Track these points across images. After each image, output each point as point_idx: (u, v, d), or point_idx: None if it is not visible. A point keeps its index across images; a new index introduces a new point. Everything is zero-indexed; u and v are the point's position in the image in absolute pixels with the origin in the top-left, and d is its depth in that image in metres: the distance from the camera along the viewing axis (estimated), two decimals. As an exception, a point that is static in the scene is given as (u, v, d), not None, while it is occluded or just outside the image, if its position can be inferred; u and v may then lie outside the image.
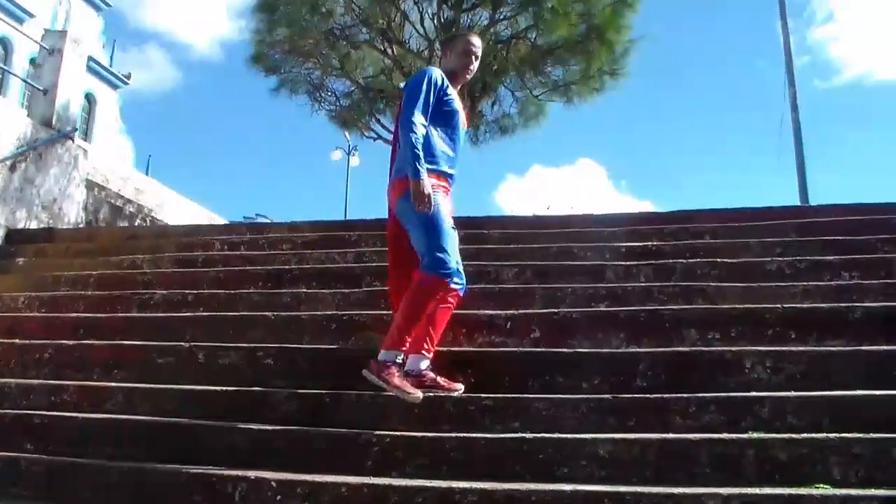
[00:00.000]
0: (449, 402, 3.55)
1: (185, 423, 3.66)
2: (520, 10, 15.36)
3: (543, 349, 4.09)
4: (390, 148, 4.25)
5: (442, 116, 4.00)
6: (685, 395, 3.46)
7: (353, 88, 17.98)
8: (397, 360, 3.64)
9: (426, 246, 3.75)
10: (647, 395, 3.54)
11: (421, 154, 3.75)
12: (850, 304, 4.37)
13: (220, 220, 12.75)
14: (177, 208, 11.84)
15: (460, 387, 3.72)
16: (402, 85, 18.42)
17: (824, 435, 3.07)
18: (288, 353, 4.26)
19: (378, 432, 3.36)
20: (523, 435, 3.24)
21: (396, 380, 3.55)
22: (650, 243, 5.91)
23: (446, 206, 3.87)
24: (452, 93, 4.10)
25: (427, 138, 3.86)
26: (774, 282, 4.96)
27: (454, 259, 3.78)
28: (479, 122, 17.60)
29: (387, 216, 4.17)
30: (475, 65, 4.33)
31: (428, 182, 3.71)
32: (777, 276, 5.10)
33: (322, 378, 4.03)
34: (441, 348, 3.88)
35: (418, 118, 3.83)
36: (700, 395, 3.47)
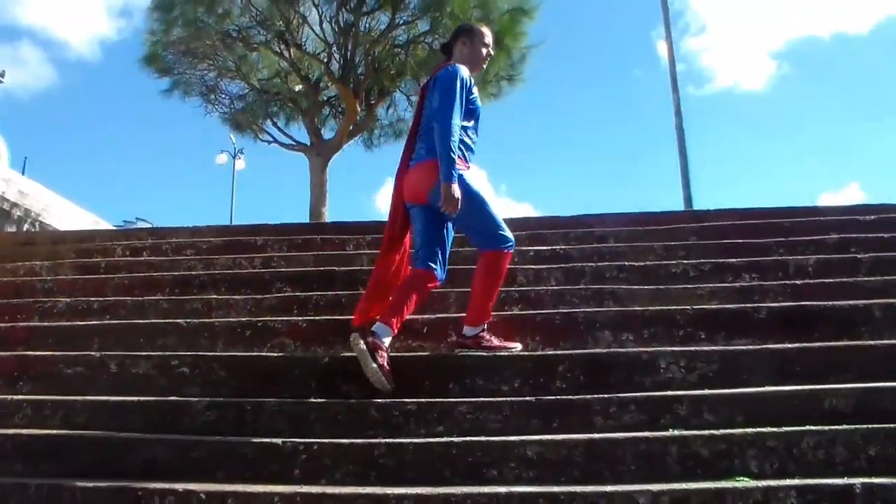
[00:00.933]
0: (373, 408, 3.55)
1: (101, 436, 3.53)
2: (419, 14, 15.45)
3: (462, 353, 4.13)
4: (408, 134, 4.49)
5: (467, 113, 4.19)
6: (606, 396, 3.55)
7: (248, 91, 17.77)
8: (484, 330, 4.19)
9: (484, 226, 4.13)
10: (570, 397, 3.62)
11: (456, 159, 3.98)
12: (754, 305, 4.58)
13: (106, 225, 12.38)
14: (62, 212, 11.41)
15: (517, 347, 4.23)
16: (297, 88, 18.12)
17: (741, 430, 3.20)
18: (204, 360, 4.17)
19: (304, 440, 3.33)
20: (451, 439, 3.26)
21: (496, 342, 4.18)
22: (558, 247, 6.05)
23: (479, 186, 4.14)
24: (475, 89, 4.28)
25: None
26: (681, 284, 5.16)
27: (509, 231, 4.19)
28: (374, 126, 17.61)
29: (395, 195, 4.33)
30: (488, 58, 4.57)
31: (458, 187, 3.93)
32: (683, 279, 5.30)
33: (241, 386, 3.98)
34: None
35: (456, 121, 4.03)
36: (620, 395, 3.57)
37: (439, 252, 4.15)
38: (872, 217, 6.41)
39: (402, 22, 15.67)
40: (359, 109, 15.95)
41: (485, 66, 4.58)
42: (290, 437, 3.39)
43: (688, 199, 15.60)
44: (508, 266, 4.28)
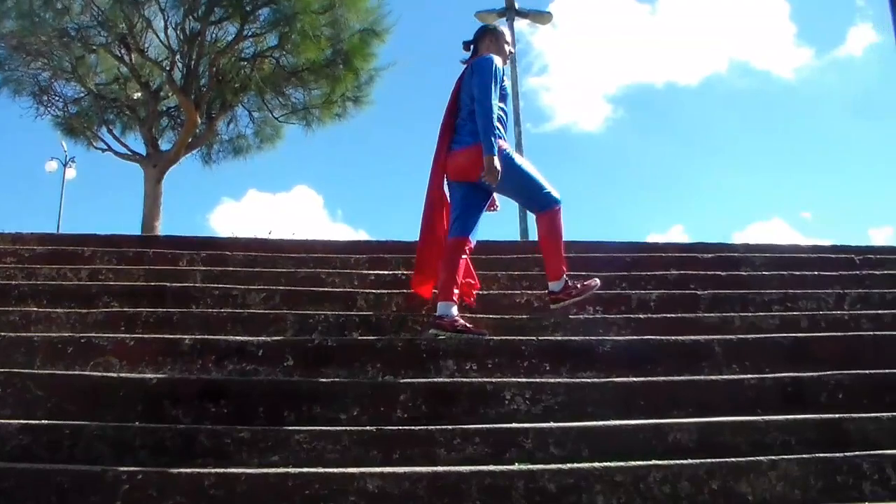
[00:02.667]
0: (203, 435, 3.27)
1: None
2: (269, 28, 15.11)
3: (300, 378, 3.91)
4: (442, 122, 5.06)
5: (501, 98, 4.91)
6: (450, 427, 3.43)
7: (84, 94, 16.78)
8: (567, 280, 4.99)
9: (530, 191, 5.01)
10: (412, 427, 3.47)
11: (496, 134, 4.71)
12: (599, 338, 4.58)
13: None
14: None
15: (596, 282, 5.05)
16: (137, 95, 17.27)
17: (589, 464, 3.15)
18: (18, 378, 3.73)
19: (127, 468, 3.01)
20: (287, 469, 3.03)
21: (581, 286, 4.97)
22: (398, 272, 5.92)
23: (518, 157, 5.09)
24: (506, 77, 5.07)
25: None
26: (526, 314, 5.13)
27: (555, 190, 4.98)
28: (214, 141, 17.05)
29: (435, 178, 5.03)
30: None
31: (498, 159, 4.66)
32: (527, 309, 5.28)
33: (59, 407, 3.58)
34: (190, 376, 3.62)
35: (494, 102, 4.78)
36: (464, 426, 3.45)
37: (472, 222, 4.90)
38: (710, 255, 6.64)
39: (250, 34, 15.27)
40: (199, 122, 15.37)
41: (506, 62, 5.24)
42: (111, 464, 3.07)
43: (524, 231, 15.93)
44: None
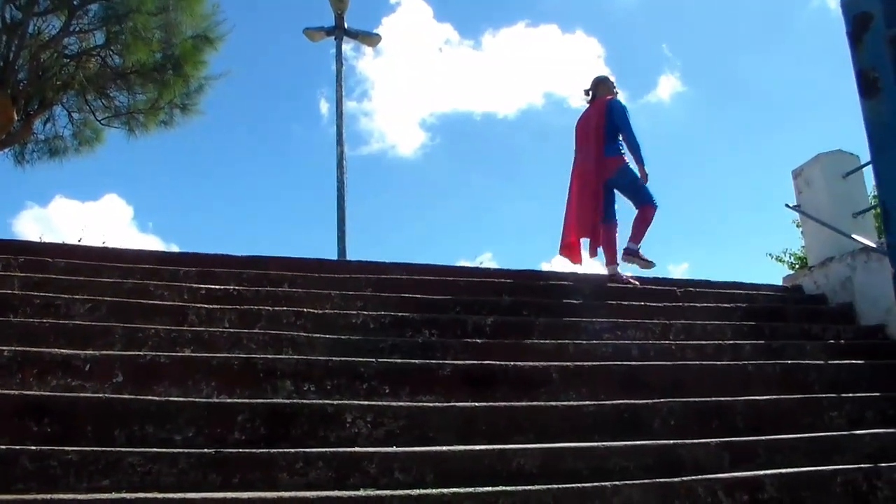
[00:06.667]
0: (25, 458, 3.06)
1: None
2: (98, 25, 14.34)
3: (131, 396, 3.74)
4: (576, 149, 8.07)
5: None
6: (292, 451, 3.37)
7: None
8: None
9: (643, 192, 7.60)
10: (253, 450, 3.39)
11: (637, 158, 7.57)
12: (440, 361, 4.64)
13: None
14: None
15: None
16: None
17: (437, 490, 3.18)
18: None
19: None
20: (122, 495, 2.88)
21: (645, 256, 7.62)
22: (230, 287, 5.78)
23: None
24: None
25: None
26: (362, 335, 5.13)
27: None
28: (30, 140, 15.99)
29: (591, 176, 7.75)
30: None
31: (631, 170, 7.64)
32: (363, 330, 5.28)
33: None
34: (8, 392, 3.38)
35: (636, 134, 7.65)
36: (308, 450, 3.41)
37: (642, 191, 7.64)
38: (542, 283, 6.88)
39: (76, 30, 14.44)
40: (15, 118, 14.36)
41: None
42: None
43: (343, 250, 15.93)
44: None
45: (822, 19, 41.25)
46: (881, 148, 1.61)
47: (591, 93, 8.20)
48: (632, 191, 7.65)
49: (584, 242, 7.89)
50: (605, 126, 7.69)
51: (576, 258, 7.92)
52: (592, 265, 8.19)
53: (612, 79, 8.16)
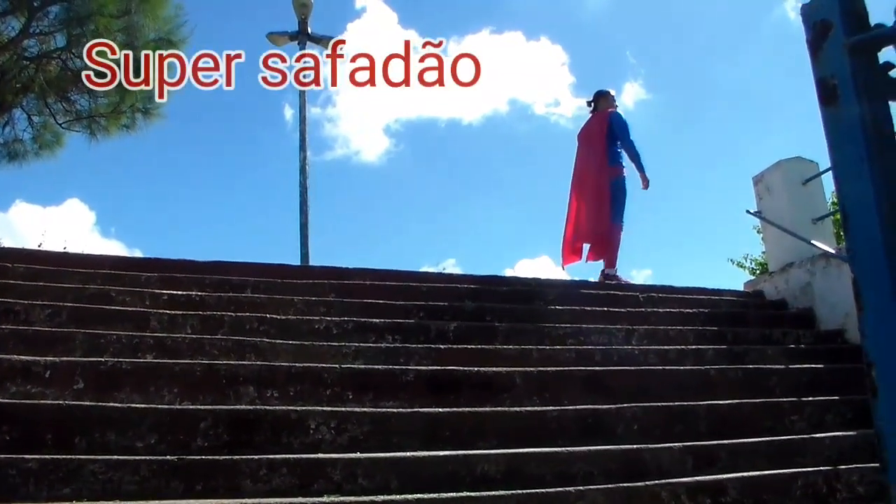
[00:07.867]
0: (-20, 467, 3.05)
1: None
2: (59, 27, 14.16)
3: (92, 403, 3.71)
4: (577, 157, 9.16)
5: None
6: (255, 457, 3.38)
7: None
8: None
9: (621, 206, 8.53)
10: (216, 457, 3.39)
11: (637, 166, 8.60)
12: (403, 367, 4.67)
13: None
14: None
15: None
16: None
17: (401, 496, 3.20)
18: None
19: None
20: (84, 503, 2.89)
21: (624, 278, 8.38)
22: (192, 293, 5.75)
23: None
24: None
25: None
26: (325, 341, 5.13)
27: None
28: (-13, 144, 15.74)
29: (593, 182, 8.74)
30: None
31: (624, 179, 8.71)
32: (326, 336, 5.27)
33: None
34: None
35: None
36: (271, 456, 3.42)
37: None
38: (505, 289, 6.91)
39: (37, 32, 14.25)
40: None
41: None
42: None
43: (305, 255, 15.88)
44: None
45: (784, 28, 41.85)
46: (840, 155, 1.65)
47: (592, 105, 9.25)
48: (618, 201, 8.58)
49: (585, 247, 8.94)
50: (606, 136, 8.66)
51: (574, 259, 8.94)
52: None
53: (612, 93, 9.26)
